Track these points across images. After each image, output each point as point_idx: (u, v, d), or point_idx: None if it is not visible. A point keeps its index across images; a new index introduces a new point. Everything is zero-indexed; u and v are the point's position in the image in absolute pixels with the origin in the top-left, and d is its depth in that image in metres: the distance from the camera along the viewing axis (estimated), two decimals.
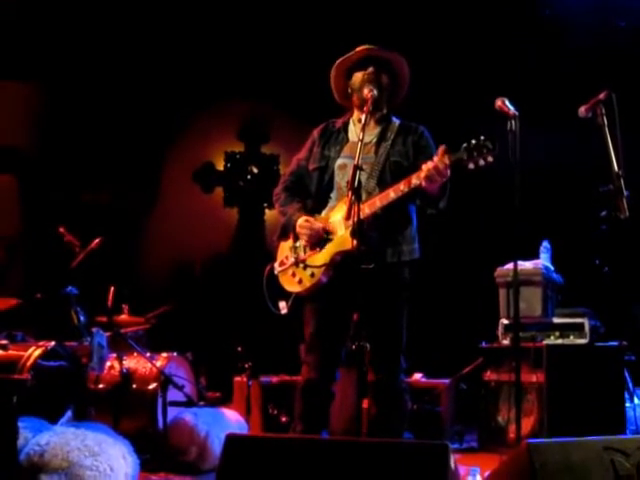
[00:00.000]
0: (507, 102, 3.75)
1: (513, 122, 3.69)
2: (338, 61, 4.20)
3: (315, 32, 7.58)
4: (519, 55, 7.17)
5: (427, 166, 3.73)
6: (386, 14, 7.33)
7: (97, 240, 5.61)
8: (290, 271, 4.14)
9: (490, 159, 3.64)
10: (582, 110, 3.90)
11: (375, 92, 4.02)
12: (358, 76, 4.13)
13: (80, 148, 7.88)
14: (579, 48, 7.02)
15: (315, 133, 4.31)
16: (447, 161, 3.70)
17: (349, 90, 4.20)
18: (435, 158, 3.73)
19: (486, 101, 3.84)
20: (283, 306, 4.14)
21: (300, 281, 4.09)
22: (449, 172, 3.74)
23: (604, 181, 3.78)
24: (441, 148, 3.75)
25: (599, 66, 6.78)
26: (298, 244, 4.13)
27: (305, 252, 4.09)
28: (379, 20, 7.21)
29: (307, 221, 4.07)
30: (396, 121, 4.21)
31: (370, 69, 4.09)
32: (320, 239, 4.04)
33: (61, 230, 5.63)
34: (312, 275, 4.04)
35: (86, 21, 7.60)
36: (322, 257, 4.02)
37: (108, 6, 7.58)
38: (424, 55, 6.61)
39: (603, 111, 3.84)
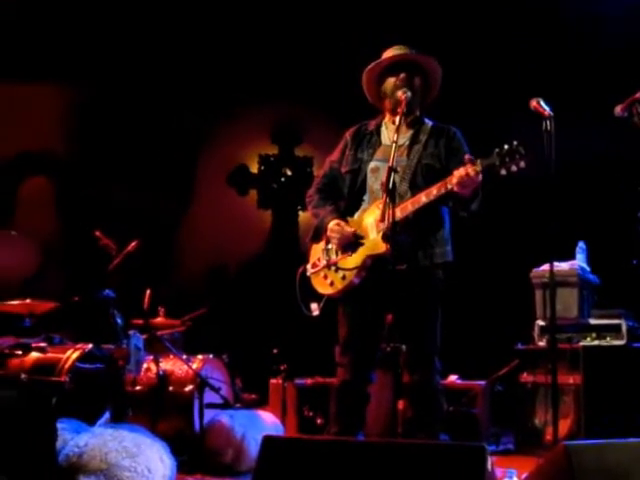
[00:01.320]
0: (542, 102, 3.73)
1: (548, 122, 3.66)
2: (369, 67, 4.20)
3: (347, 33, 7.58)
4: (555, 54, 7.12)
5: (459, 172, 3.73)
6: (417, 13, 7.31)
7: (133, 243, 5.64)
8: (322, 273, 4.15)
9: (522, 165, 3.63)
10: (618, 109, 3.88)
11: (409, 94, 4.01)
12: (390, 81, 4.13)
13: (114, 151, 7.95)
14: (614, 46, 6.95)
15: (347, 135, 4.32)
16: (478, 168, 3.70)
17: (381, 94, 4.20)
18: (467, 165, 3.72)
19: (522, 101, 3.82)
20: (315, 308, 4.15)
21: (332, 283, 4.10)
22: (480, 177, 3.73)
23: None
24: (466, 157, 3.75)
25: (635, 65, 6.71)
26: (330, 246, 4.14)
27: (337, 255, 4.10)
28: (409, 20, 7.20)
29: (338, 225, 4.08)
30: (429, 123, 4.20)
31: (402, 75, 4.09)
32: (351, 243, 4.04)
33: (97, 234, 5.68)
34: (344, 277, 4.05)
35: (119, 23, 7.67)
36: (354, 260, 4.02)
37: (144, 7, 7.64)
38: (459, 56, 6.61)
39: (639, 110, 3.81)
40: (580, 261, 5.85)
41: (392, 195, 3.64)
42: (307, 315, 4.17)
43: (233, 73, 8.02)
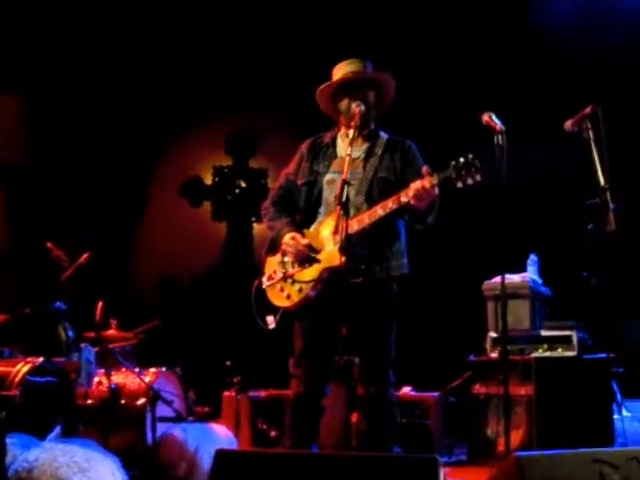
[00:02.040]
0: (494, 117, 3.77)
1: (500, 137, 3.70)
2: (321, 87, 4.21)
3: (302, 45, 7.61)
4: (506, 70, 7.20)
5: (415, 185, 3.75)
6: (374, 25, 7.36)
7: (85, 255, 5.59)
8: (278, 286, 4.15)
9: (478, 178, 3.66)
10: (568, 124, 3.94)
11: (362, 108, 4.04)
12: (344, 102, 4.14)
13: (67, 162, 7.87)
14: (565, 62, 7.06)
15: (303, 148, 4.33)
16: (435, 181, 3.72)
17: (336, 109, 4.21)
18: (424, 178, 3.75)
19: (473, 116, 3.85)
20: (271, 320, 4.14)
21: (288, 296, 4.10)
22: (437, 191, 3.76)
23: (591, 195, 3.81)
24: (424, 169, 3.78)
25: (585, 80, 6.82)
26: (286, 259, 4.13)
27: (293, 267, 4.10)
28: (366, 32, 7.24)
29: (293, 239, 4.08)
30: (384, 136, 4.23)
31: (356, 95, 4.09)
32: (306, 257, 4.04)
33: (49, 245, 5.62)
34: (300, 290, 4.05)
35: (74, 35, 7.61)
36: (310, 273, 4.03)
37: (97, 21, 7.60)
38: (411, 69, 6.65)
39: (589, 125, 3.88)
40: (531, 273, 5.91)
41: (346, 208, 3.66)
42: (263, 328, 4.16)
43: (188, 83, 7.99)
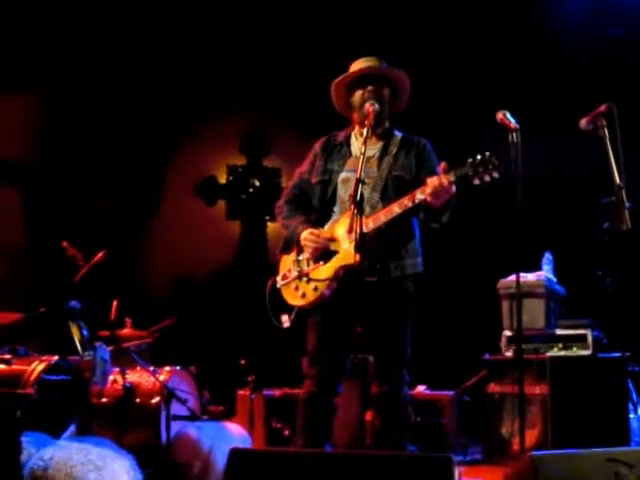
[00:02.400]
0: (508, 115, 3.76)
1: (514, 135, 3.69)
2: (336, 80, 4.21)
3: (316, 43, 7.61)
4: (521, 68, 7.18)
5: (433, 182, 3.74)
6: (388, 25, 7.35)
7: (100, 254, 5.61)
8: (293, 284, 4.14)
9: (495, 175, 3.65)
10: (583, 122, 3.93)
11: (376, 106, 4.03)
12: (358, 94, 4.14)
13: (82, 161, 7.89)
14: (579, 60, 7.04)
15: (317, 146, 4.32)
16: (452, 177, 3.72)
17: (350, 106, 4.21)
18: (440, 175, 3.74)
19: (488, 114, 3.84)
20: (285, 319, 4.14)
21: (303, 295, 4.09)
22: (454, 188, 3.75)
23: (606, 193, 3.79)
24: (442, 165, 3.77)
25: (600, 78, 6.79)
26: (301, 257, 4.13)
27: (308, 265, 4.10)
28: (380, 30, 7.23)
29: (312, 233, 4.08)
30: (398, 135, 4.22)
31: (370, 87, 4.10)
32: (325, 251, 4.04)
33: (64, 244, 5.63)
34: (315, 289, 4.05)
35: (85, 31, 7.63)
36: (326, 271, 4.02)
37: (109, 19, 7.61)
38: (426, 68, 6.64)
39: (604, 123, 3.86)
40: (547, 272, 5.90)
41: (360, 207, 3.65)
42: (277, 327, 4.16)
43: (202, 83, 8.00)
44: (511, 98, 4.34)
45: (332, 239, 4.05)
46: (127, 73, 7.87)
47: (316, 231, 4.09)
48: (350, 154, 4.20)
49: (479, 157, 3.67)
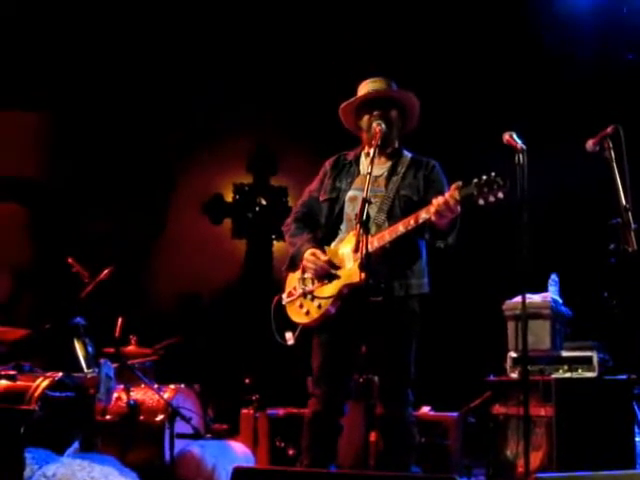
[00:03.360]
0: (515, 136, 3.77)
1: (521, 156, 3.70)
2: (343, 105, 4.23)
3: (324, 62, 7.65)
4: (529, 89, 7.21)
5: (437, 201, 3.75)
6: (393, 45, 7.39)
7: (106, 271, 5.62)
8: (298, 302, 4.15)
9: (500, 195, 3.65)
10: (590, 144, 3.93)
11: (384, 126, 4.05)
12: (365, 118, 4.16)
13: (89, 178, 7.92)
14: (587, 81, 7.06)
15: (327, 165, 4.35)
16: (457, 197, 3.72)
17: (359, 126, 4.23)
18: (446, 194, 3.75)
19: (495, 135, 3.85)
20: (290, 337, 4.14)
21: (307, 312, 4.09)
22: (459, 208, 3.76)
23: (612, 214, 3.79)
24: (454, 185, 3.77)
25: (607, 99, 6.81)
26: (306, 275, 4.14)
27: (313, 284, 4.10)
28: (388, 49, 7.27)
29: (313, 254, 4.08)
30: (408, 155, 4.23)
31: (376, 112, 4.12)
32: (325, 273, 4.04)
33: (70, 261, 5.65)
34: (319, 307, 4.05)
35: (93, 52, 7.68)
36: (330, 289, 4.02)
37: (118, 39, 7.67)
38: (434, 88, 6.67)
39: (610, 145, 3.87)
40: (552, 293, 5.88)
41: (366, 226, 3.66)
42: (282, 344, 4.16)
43: (210, 101, 8.04)
44: (518, 119, 4.36)
45: (334, 260, 4.05)
46: (134, 91, 7.91)
47: (317, 252, 4.09)
48: (358, 173, 4.21)
49: (484, 177, 3.68)
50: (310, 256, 4.09)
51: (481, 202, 3.69)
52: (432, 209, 3.76)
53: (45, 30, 7.49)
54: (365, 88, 4.22)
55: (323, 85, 7.28)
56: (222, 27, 7.74)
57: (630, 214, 3.74)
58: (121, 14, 7.56)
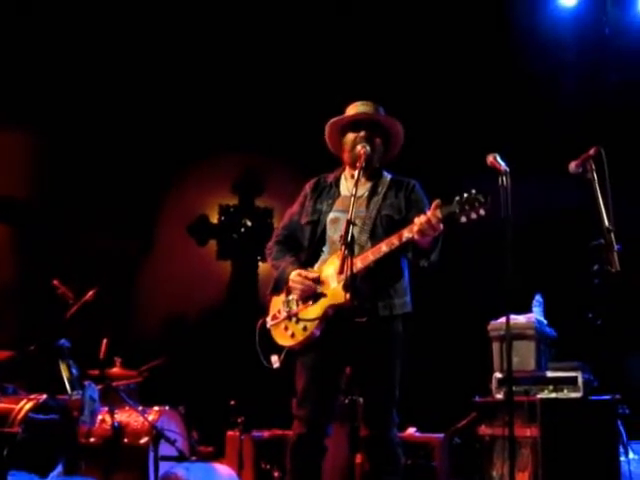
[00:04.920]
0: (498, 158, 3.79)
1: (504, 178, 3.72)
2: (331, 121, 4.26)
3: (309, 85, 7.68)
4: (512, 111, 7.26)
5: (420, 220, 3.77)
6: (380, 69, 7.44)
7: (91, 292, 5.61)
8: (282, 325, 4.15)
9: (482, 212, 3.68)
10: (572, 166, 3.96)
11: (368, 149, 4.07)
12: (350, 137, 4.18)
13: (74, 199, 7.91)
14: (570, 102, 7.12)
15: (307, 187, 4.37)
16: (439, 215, 3.74)
17: (342, 146, 4.25)
18: (428, 212, 3.77)
19: (479, 157, 3.88)
20: (275, 360, 4.13)
21: (292, 335, 4.09)
22: (442, 226, 3.78)
23: (595, 235, 3.82)
24: (435, 202, 3.79)
25: (590, 121, 6.87)
26: (291, 298, 4.14)
27: (297, 306, 4.10)
28: (373, 74, 7.31)
29: (299, 275, 4.09)
30: (387, 176, 4.26)
31: (362, 133, 4.14)
32: (313, 292, 4.05)
33: (55, 282, 5.64)
34: (305, 329, 4.05)
35: (82, 71, 7.70)
36: (315, 310, 4.03)
37: (105, 61, 7.69)
38: (418, 110, 6.71)
39: (593, 167, 3.90)
40: (537, 314, 5.90)
41: (350, 248, 3.67)
42: (267, 367, 4.15)
43: (194, 123, 8.06)
44: (501, 141, 4.38)
45: (319, 280, 4.06)
46: (120, 112, 7.92)
47: (304, 272, 4.10)
48: (339, 194, 4.23)
49: (465, 195, 3.71)
50: (296, 277, 4.09)
51: (463, 220, 3.71)
52: (415, 228, 3.78)
53: (32, 50, 7.50)
54: (354, 109, 4.25)
55: (309, 107, 7.31)
56: (208, 49, 7.78)
57: (613, 235, 3.77)
58: (108, 35, 7.59)
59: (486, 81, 7.36)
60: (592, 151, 3.93)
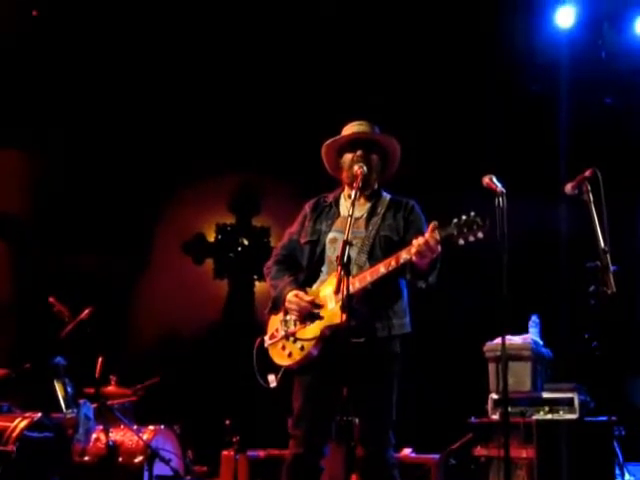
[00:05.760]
0: (494, 179, 3.80)
1: (500, 199, 3.73)
2: (327, 142, 4.27)
3: (307, 104, 7.71)
4: (508, 132, 7.29)
5: (418, 241, 3.77)
6: (377, 88, 7.47)
7: (87, 310, 5.61)
8: (280, 344, 4.14)
9: (480, 235, 3.68)
10: (569, 187, 3.98)
11: (365, 169, 4.08)
12: (348, 157, 4.19)
13: (72, 217, 7.92)
14: (566, 124, 7.16)
15: (307, 207, 4.37)
16: (437, 237, 3.75)
17: (340, 166, 4.26)
18: (426, 234, 3.78)
19: (475, 178, 3.89)
20: (272, 379, 4.13)
21: (290, 354, 4.09)
22: (439, 248, 3.79)
23: (591, 257, 3.83)
24: (432, 225, 3.80)
25: (586, 142, 6.90)
26: (288, 317, 4.14)
27: (295, 325, 4.10)
28: (370, 93, 7.34)
29: (296, 296, 4.09)
30: (387, 196, 4.26)
31: (359, 152, 4.15)
32: (309, 314, 4.05)
33: (51, 300, 5.63)
34: (302, 348, 4.04)
35: (79, 88, 7.72)
36: (312, 330, 4.02)
37: (100, 78, 7.71)
38: (415, 131, 6.74)
39: (589, 188, 3.91)
40: (533, 335, 5.91)
41: (347, 268, 3.68)
42: (264, 387, 4.15)
43: (192, 142, 8.08)
44: (497, 162, 4.41)
45: (316, 302, 4.06)
46: (117, 130, 7.94)
47: (300, 293, 4.10)
48: (338, 214, 4.24)
49: (464, 217, 3.71)
50: (293, 297, 4.09)
51: (461, 242, 3.72)
52: (413, 249, 3.79)
53: (27, 67, 7.52)
54: (350, 129, 4.26)
55: (306, 126, 7.33)
56: (206, 68, 7.81)
57: (608, 256, 3.78)
58: (104, 50, 7.62)
59: (483, 102, 7.38)
60: (588, 172, 3.95)
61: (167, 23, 7.57)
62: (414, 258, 3.80)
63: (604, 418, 5.45)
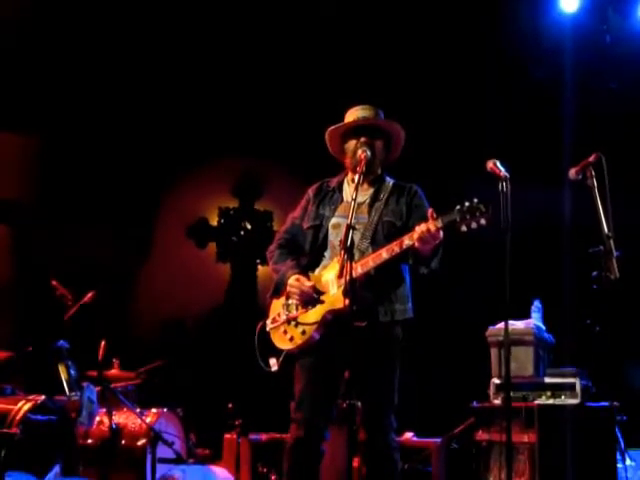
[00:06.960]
0: (498, 164, 3.79)
1: (504, 184, 3.72)
2: (331, 128, 4.26)
3: (310, 88, 7.69)
4: (512, 117, 7.27)
5: (420, 228, 3.77)
6: (380, 73, 7.45)
7: (90, 294, 5.61)
8: (282, 328, 4.15)
9: (483, 222, 3.68)
10: (572, 172, 3.97)
11: (368, 153, 4.08)
12: (352, 143, 4.18)
13: (75, 201, 7.91)
14: (570, 109, 7.13)
15: (310, 192, 4.36)
16: (440, 224, 3.75)
17: (344, 151, 4.25)
18: (429, 221, 3.77)
19: (479, 162, 3.88)
20: (274, 363, 4.14)
21: (291, 338, 4.10)
22: (442, 234, 3.78)
23: (595, 242, 3.82)
24: (429, 212, 3.80)
25: (590, 128, 6.87)
26: (290, 301, 4.14)
27: (297, 309, 4.10)
28: (373, 78, 7.32)
29: (297, 280, 4.09)
30: (390, 181, 4.26)
31: (363, 138, 4.14)
32: (310, 298, 4.05)
33: (54, 283, 5.64)
34: (303, 332, 4.05)
35: (82, 75, 7.70)
36: (314, 315, 4.03)
37: (104, 61, 7.69)
38: (419, 115, 6.72)
39: (593, 173, 3.91)
40: (536, 320, 5.90)
41: (350, 253, 3.67)
42: (266, 370, 4.15)
43: (195, 126, 8.06)
44: (501, 147, 4.39)
45: (317, 286, 4.06)
46: (120, 114, 7.92)
47: (302, 278, 4.10)
48: (341, 200, 4.24)
49: (467, 204, 3.71)
50: (294, 282, 4.10)
51: (464, 229, 3.72)
52: (415, 236, 3.78)
53: (31, 53, 7.50)
54: (354, 115, 4.25)
55: (309, 110, 7.32)
56: (208, 53, 7.78)
57: (612, 242, 3.77)
58: (106, 39, 7.58)
59: (486, 87, 7.36)
60: (592, 158, 3.94)
61: (168, 11, 7.54)
62: (416, 244, 3.80)
63: (606, 403, 5.45)
